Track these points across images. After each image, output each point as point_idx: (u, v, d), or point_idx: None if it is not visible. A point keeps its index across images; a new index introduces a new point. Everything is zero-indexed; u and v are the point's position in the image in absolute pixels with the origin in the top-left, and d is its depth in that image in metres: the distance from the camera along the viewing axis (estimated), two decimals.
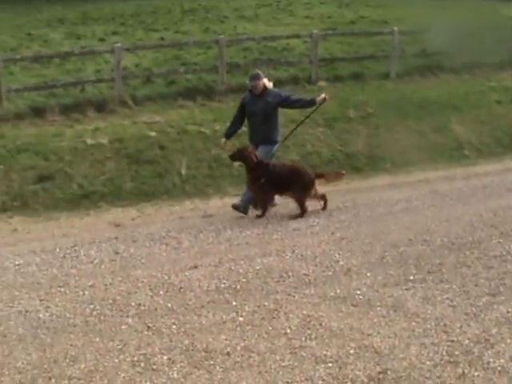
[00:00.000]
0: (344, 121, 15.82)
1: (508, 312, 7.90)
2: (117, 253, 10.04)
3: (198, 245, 10.20)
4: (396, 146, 15.29)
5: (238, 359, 7.08)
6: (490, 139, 16.52)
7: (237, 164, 12.79)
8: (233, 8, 28.32)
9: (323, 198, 11.80)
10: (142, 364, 7.02)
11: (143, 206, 12.44)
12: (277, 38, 20.24)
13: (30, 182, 12.82)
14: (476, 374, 6.69)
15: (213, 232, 10.80)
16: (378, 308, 8.10)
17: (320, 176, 11.84)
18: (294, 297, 8.43)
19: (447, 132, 16.54)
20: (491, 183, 13.70)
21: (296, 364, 6.95)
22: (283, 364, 6.95)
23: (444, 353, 7.04)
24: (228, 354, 7.17)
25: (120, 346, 7.38)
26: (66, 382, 6.76)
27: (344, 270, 9.20)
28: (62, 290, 8.84)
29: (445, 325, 7.62)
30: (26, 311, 8.24)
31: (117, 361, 7.10)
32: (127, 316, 8.06)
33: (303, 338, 7.43)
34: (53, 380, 6.79)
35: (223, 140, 12.18)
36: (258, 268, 9.32)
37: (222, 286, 8.81)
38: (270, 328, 7.67)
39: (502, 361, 6.91)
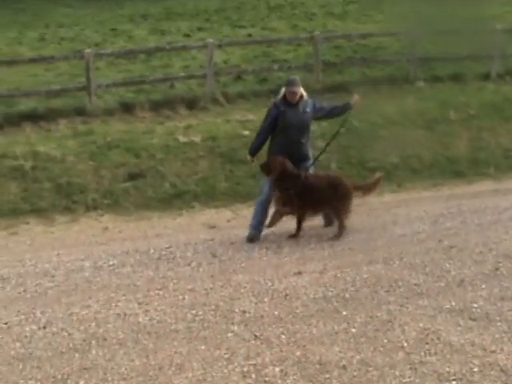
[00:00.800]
0: (445, 123, 15.18)
1: None
2: (215, 256, 9.68)
3: (300, 250, 9.79)
4: (499, 150, 14.66)
5: (355, 373, 6.70)
6: None
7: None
8: (320, 4, 27.91)
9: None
10: (253, 375, 6.70)
11: (238, 208, 12.02)
12: (374, 35, 19.57)
13: (120, 180, 12.50)
14: None
15: (313, 237, 10.36)
16: (499, 323, 7.65)
17: (358, 188, 10.66)
18: (407, 308, 8.01)
19: None
20: None
21: (418, 381, 6.57)
22: (404, 380, 6.58)
23: None
24: (344, 367, 6.80)
25: (227, 355, 7.04)
26: None
27: (457, 281, 8.74)
28: (161, 293, 8.53)
29: None
30: (125, 314, 7.97)
31: (226, 371, 6.78)
32: (232, 323, 7.71)
33: (422, 353, 7.03)
34: None
35: (249, 158, 10.65)
36: (365, 276, 8.90)
37: (330, 294, 8.41)
38: (386, 341, 7.28)
39: None
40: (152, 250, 9.95)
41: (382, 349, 7.10)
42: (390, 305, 8.08)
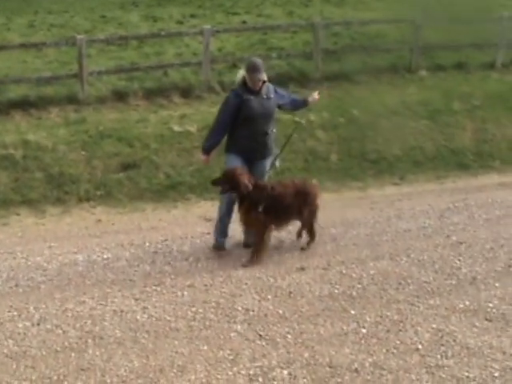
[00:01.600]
0: (448, 113, 14.83)
1: None
2: (213, 250, 9.28)
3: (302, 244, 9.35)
4: (505, 142, 14.33)
5: (369, 377, 6.39)
6: None
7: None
8: None
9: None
10: (260, 379, 6.38)
11: None
12: (375, 22, 19.08)
13: (113, 170, 12.11)
14: None
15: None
16: None
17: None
18: (418, 307, 7.70)
19: None
20: None
21: None
22: None
23: None
24: (356, 370, 6.49)
25: (232, 357, 6.72)
26: None
27: (469, 279, 8.43)
28: (158, 289, 8.19)
29: None
30: (121, 311, 7.64)
31: (230, 373, 6.46)
32: (235, 322, 7.38)
33: (438, 356, 6.73)
34: None
35: (203, 157, 9.31)
36: (372, 273, 8.57)
37: (336, 291, 8.09)
38: (398, 342, 6.97)
39: None
40: (147, 244, 9.58)
41: (395, 351, 6.79)
42: (400, 304, 7.75)
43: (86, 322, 7.35)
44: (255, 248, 8.89)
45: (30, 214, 10.89)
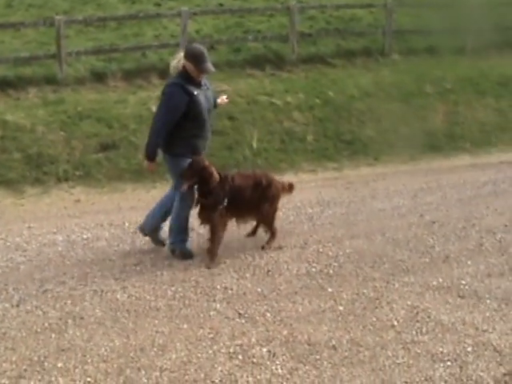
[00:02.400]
0: (421, 96, 15.03)
1: None
2: (191, 229, 9.19)
3: (279, 224, 9.27)
4: (476, 125, 14.57)
5: (346, 354, 6.50)
6: None
7: None
8: None
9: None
10: (240, 356, 6.45)
11: None
12: (350, 6, 19.05)
13: (92, 151, 12.16)
14: None
15: (292, 210, 10.12)
16: (488, 301, 7.54)
17: (283, 188, 8.98)
18: (393, 285, 7.86)
19: None
20: None
21: (411, 362, 6.38)
22: (398, 361, 6.38)
23: None
24: (334, 347, 6.59)
25: (212, 335, 6.80)
26: (158, 373, 6.19)
27: (442, 257, 8.62)
28: (138, 268, 8.27)
29: None
30: (102, 291, 7.68)
31: (211, 351, 6.52)
32: (214, 301, 7.48)
33: (413, 332, 6.87)
34: (142, 371, 6.22)
35: (149, 165, 8.37)
36: (348, 251, 8.73)
37: (313, 270, 8.23)
38: (375, 319, 7.11)
39: None
40: (127, 224, 9.67)
41: (371, 327, 6.92)
42: (376, 281, 7.91)
43: (65, 303, 7.38)
44: (212, 246, 8.41)
45: (8, 195, 10.94)
